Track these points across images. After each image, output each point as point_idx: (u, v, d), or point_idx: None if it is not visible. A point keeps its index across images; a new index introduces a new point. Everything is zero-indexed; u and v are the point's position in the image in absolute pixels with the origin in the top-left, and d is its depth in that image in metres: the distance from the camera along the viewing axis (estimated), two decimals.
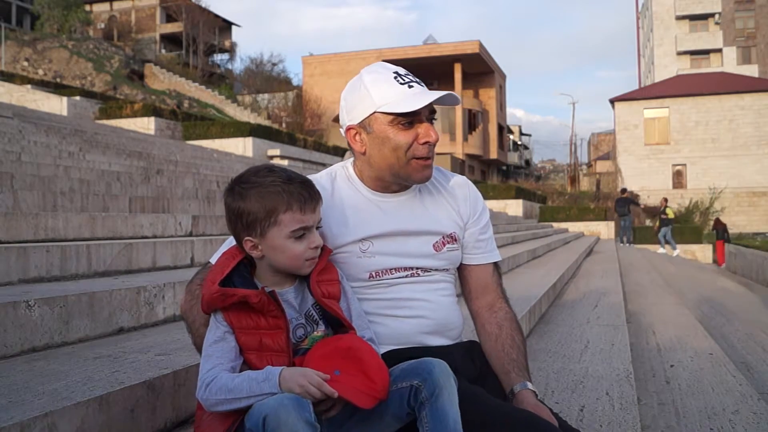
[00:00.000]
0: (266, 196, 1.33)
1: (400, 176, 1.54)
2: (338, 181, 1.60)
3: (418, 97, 1.48)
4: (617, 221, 20.85)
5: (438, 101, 1.49)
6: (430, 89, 1.52)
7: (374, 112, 1.50)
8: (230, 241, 1.48)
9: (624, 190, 22.54)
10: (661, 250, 19.52)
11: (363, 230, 1.53)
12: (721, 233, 20.96)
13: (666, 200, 21.54)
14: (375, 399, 1.23)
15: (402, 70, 1.54)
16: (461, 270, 1.69)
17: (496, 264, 1.71)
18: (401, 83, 1.50)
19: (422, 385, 1.23)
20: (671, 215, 20.24)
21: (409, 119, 1.49)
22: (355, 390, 1.23)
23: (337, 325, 1.39)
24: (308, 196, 1.36)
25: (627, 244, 19.45)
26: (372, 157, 1.53)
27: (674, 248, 19.72)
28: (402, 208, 1.58)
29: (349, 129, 1.55)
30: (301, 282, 1.40)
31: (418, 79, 1.54)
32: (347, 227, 1.52)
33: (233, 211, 1.36)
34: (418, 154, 1.50)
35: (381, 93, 1.49)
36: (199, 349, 1.41)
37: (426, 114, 1.50)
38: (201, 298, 1.35)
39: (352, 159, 1.64)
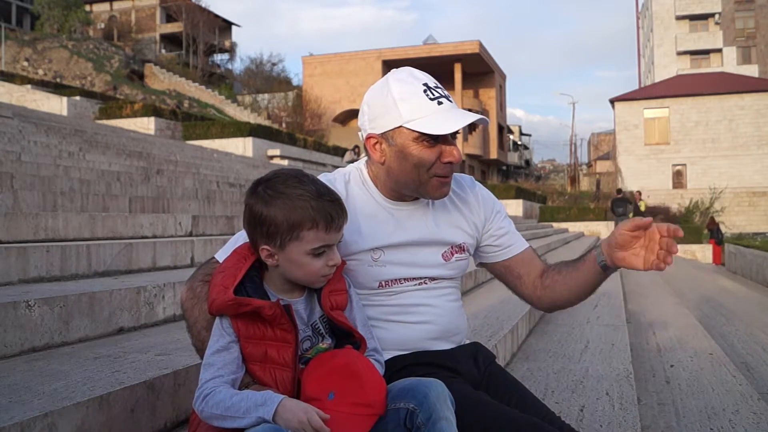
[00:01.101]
0: (292, 210, 1.28)
1: (417, 191, 1.51)
2: (352, 185, 1.57)
3: (448, 116, 1.44)
4: (616, 222, 20.85)
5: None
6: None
7: (400, 126, 1.46)
8: (237, 238, 1.46)
9: (620, 191, 22.47)
10: None
11: (376, 239, 1.51)
12: (714, 233, 21.09)
13: (640, 193, 21.56)
14: (373, 416, 1.22)
15: (432, 81, 1.49)
16: (504, 264, 1.68)
17: (530, 247, 1.72)
18: (431, 98, 1.45)
19: (418, 409, 1.21)
20: (643, 208, 20.19)
21: (434, 137, 1.45)
22: (349, 416, 1.20)
23: (345, 335, 1.36)
24: (336, 215, 1.31)
25: None
26: (391, 168, 1.50)
27: None
28: (414, 218, 1.57)
29: (369, 137, 1.51)
30: (310, 292, 1.38)
31: (446, 93, 1.49)
32: (360, 235, 1.49)
33: (255, 215, 1.31)
34: (439, 173, 1.47)
35: (409, 108, 1.45)
36: (199, 351, 1.40)
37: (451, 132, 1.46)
38: (209, 300, 1.32)
39: (365, 159, 1.61)
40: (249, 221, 1.33)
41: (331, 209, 1.31)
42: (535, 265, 1.68)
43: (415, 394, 1.23)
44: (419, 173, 1.47)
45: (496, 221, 1.67)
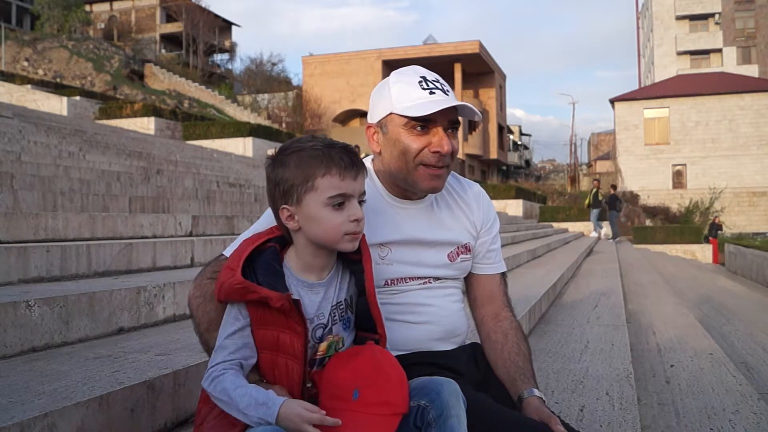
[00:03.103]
0: (305, 160, 1.27)
1: (407, 182, 1.52)
2: None
3: (433, 103, 1.45)
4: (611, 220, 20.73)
5: (458, 113, 1.47)
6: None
7: (390, 113, 1.49)
8: (246, 234, 1.45)
9: (615, 187, 22.33)
10: (593, 234, 19.32)
11: (383, 235, 1.51)
12: (713, 230, 21.72)
13: (598, 181, 21.57)
14: (397, 416, 1.19)
15: (431, 76, 1.51)
16: (468, 278, 1.68)
17: (503, 273, 1.71)
18: (424, 88, 1.47)
19: (430, 406, 1.20)
20: (600, 197, 20.00)
21: (423, 124, 1.46)
22: (373, 416, 1.18)
23: (364, 328, 1.34)
24: (349, 161, 1.28)
25: (613, 240, 19.21)
26: (384, 158, 1.53)
27: (596, 230, 19.46)
28: (419, 217, 1.57)
29: (368, 127, 1.56)
30: (337, 272, 1.34)
31: (446, 87, 1.50)
32: (368, 229, 1.48)
33: (272, 180, 1.30)
34: (426, 162, 1.47)
35: (400, 95, 1.47)
36: (206, 350, 1.39)
37: (444, 123, 1.47)
38: (217, 284, 1.28)
39: (372, 157, 1.63)
40: (269, 190, 1.32)
41: (343, 154, 1.29)
42: (494, 304, 1.65)
43: (428, 391, 1.22)
44: (406, 161, 1.48)
45: (490, 233, 1.67)
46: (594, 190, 20.01)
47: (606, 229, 19.80)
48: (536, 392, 1.49)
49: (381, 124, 1.51)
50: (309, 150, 1.28)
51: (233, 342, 1.26)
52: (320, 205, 1.26)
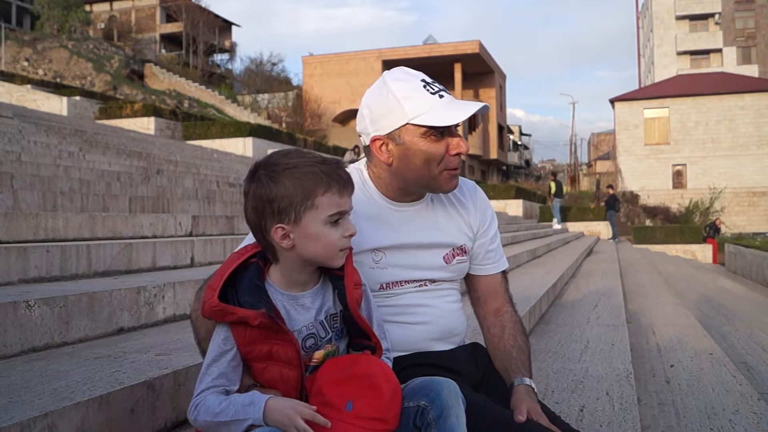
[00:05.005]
0: (303, 178, 1.23)
1: (429, 187, 1.51)
2: None
3: (452, 108, 1.44)
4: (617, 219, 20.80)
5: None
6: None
7: (406, 124, 1.46)
8: (248, 240, 1.43)
9: (612, 187, 22.40)
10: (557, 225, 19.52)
11: (376, 240, 1.51)
12: (712, 230, 22.05)
13: (555, 174, 21.92)
14: None
15: (428, 78, 1.51)
16: (470, 278, 1.68)
17: (503, 270, 1.71)
18: (432, 92, 1.46)
19: (429, 406, 1.20)
20: (554, 190, 20.13)
21: (440, 131, 1.45)
22: (363, 430, 1.17)
23: (359, 335, 1.33)
24: (347, 178, 1.28)
25: (613, 240, 19.34)
26: (399, 168, 1.49)
27: (558, 222, 19.61)
28: (414, 219, 1.56)
29: (375, 140, 1.50)
30: (323, 285, 1.33)
31: (443, 86, 1.51)
32: (361, 235, 1.46)
33: (262, 197, 1.24)
34: (450, 165, 1.47)
35: (413, 104, 1.45)
36: (203, 357, 1.39)
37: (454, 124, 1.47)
38: (202, 302, 1.27)
39: (365, 161, 1.60)
40: (255, 207, 1.26)
41: (339, 172, 1.28)
42: (496, 301, 1.67)
43: (428, 392, 1.22)
44: (430, 168, 1.47)
45: (488, 233, 1.67)
46: (550, 183, 20.31)
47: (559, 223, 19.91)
48: (526, 381, 1.50)
49: (393, 136, 1.47)
50: (304, 167, 1.25)
51: (216, 369, 1.25)
52: (320, 223, 1.25)
